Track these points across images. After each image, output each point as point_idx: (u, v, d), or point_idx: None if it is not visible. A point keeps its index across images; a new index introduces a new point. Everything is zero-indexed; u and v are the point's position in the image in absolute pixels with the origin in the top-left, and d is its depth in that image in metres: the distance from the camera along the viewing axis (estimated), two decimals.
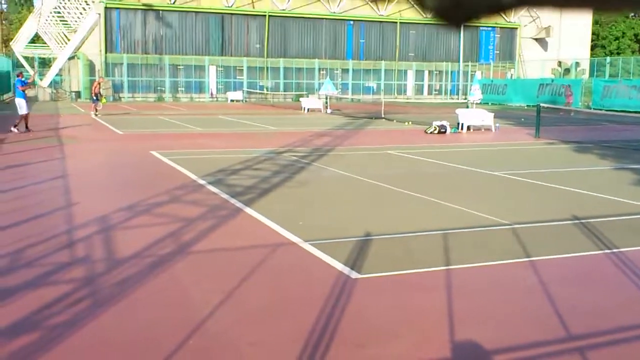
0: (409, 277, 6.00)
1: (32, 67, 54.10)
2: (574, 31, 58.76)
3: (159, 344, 4.44)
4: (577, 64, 53.22)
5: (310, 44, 52.84)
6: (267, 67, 51.39)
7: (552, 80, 44.15)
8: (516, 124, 27.30)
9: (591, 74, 49.01)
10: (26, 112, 20.98)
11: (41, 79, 47.34)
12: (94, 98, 29.77)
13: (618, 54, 72.00)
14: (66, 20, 48.75)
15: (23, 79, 21.68)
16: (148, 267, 6.20)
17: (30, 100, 23.98)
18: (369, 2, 51.55)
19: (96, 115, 28.66)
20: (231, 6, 49.55)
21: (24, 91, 21.21)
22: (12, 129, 20.57)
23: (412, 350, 4.42)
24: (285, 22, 51.73)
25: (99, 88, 30.09)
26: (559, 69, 54.81)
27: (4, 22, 74.09)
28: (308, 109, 35.41)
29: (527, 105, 41.22)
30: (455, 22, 0.47)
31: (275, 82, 51.90)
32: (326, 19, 52.60)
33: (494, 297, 5.53)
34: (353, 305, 5.22)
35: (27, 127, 20.95)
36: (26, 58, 59.40)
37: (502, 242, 7.36)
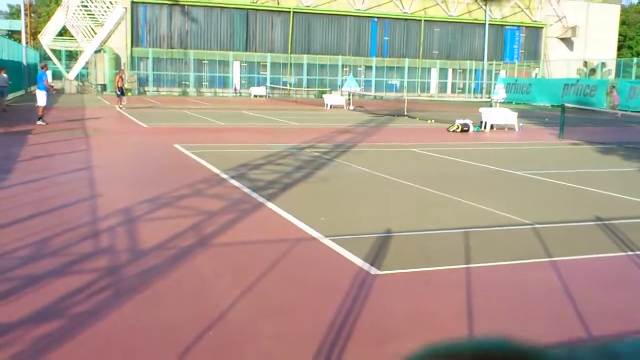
0: (428, 275, 6.00)
1: (59, 59, 54.73)
2: (600, 31, 58.08)
3: (180, 334, 4.49)
4: (603, 64, 52.55)
5: (334, 40, 52.81)
6: (291, 63, 51.47)
7: (578, 81, 43.68)
8: (540, 123, 27.08)
9: (617, 75, 48.39)
10: (43, 105, 21.24)
11: (68, 72, 47.86)
12: (118, 92, 30.07)
13: None
14: (93, 14, 49.26)
15: (45, 72, 22.08)
16: (170, 259, 6.27)
17: (58, 93, 24.22)
18: None
19: (121, 108, 28.93)
20: (256, 2, 49.69)
21: (46, 85, 21.59)
22: (38, 122, 20.87)
23: None
24: (310, 19, 51.75)
25: (122, 82, 30.37)
26: (585, 69, 54.19)
27: (32, 15, 75.00)
28: (331, 106, 35.42)
29: (552, 105, 40.84)
30: None
31: (299, 78, 51.98)
32: (350, 15, 52.54)
33: (513, 297, 5.51)
34: (372, 301, 5.24)
35: (40, 118, 21.19)
36: (54, 51, 60.08)
37: (523, 241, 7.32)
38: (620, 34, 65.80)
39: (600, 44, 57.76)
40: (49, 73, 23.58)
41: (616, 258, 6.75)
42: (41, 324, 4.60)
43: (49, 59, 59.16)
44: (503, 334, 0.30)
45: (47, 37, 58.46)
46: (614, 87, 37.62)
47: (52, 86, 28.62)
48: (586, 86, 41.21)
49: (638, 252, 6.89)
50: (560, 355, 0.34)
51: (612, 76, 48.92)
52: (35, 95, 22.46)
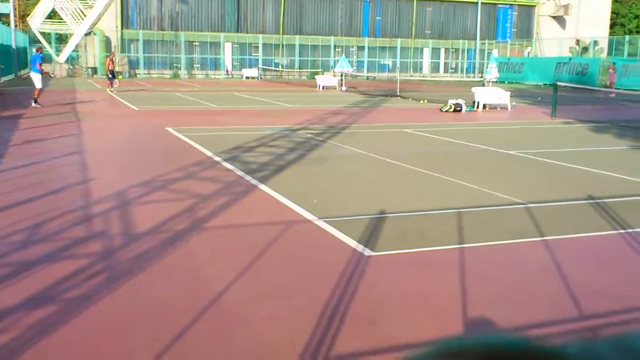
0: (422, 255, 6.02)
1: (49, 42, 54.25)
2: (593, 9, 57.95)
3: (174, 317, 4.50)
4: (596, 42, 52.49)
5: (326, 21, 52.54)
6: (283, 45, 51.22)
7: (570, 59, 43.65)
8: (533, 103, 27.08)
9: (609, 53, 48.37)
10: (40, 87, 21.35)
11: (58, 55, 47.48)
12: (109, 75, 29.88)
13: (638, 32, 70.93)
14: None
15: (41, 55, 22.11)
16: (163, 243, 6.27)
17: (48, 77, 24.27)
18: None
19: (112, 91, 28.76)
20: None
21: (40, 67, 21.63)
22: (33, 104, 20.86)
23: (424, 328, 4.45)
24: None
25: (113, 65, 30.17)
26: (577, 47, 54.14)
27: None
28: (323, 87, 35.32)
29: (544, 84, 40.84)
30: None
31: (291, 59, 51.77)
32: None
33: (507, 277, 5.54)
34: (366, 282, 5.25)
35: (35, 101, 21.26)
36: (43, 34, 59.49)
37: (516, 221, 7.35)
38: (612, 12, 65.63)
39: (592, 22, 57.66)
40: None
41: (609, 236, 6.78)
42: (36, 309, 4.60)
43: (39, 42, 58.59)
44: (517, 335, 0.30)
45: (36, 20, 57.88)
46: (614, 63, 37.19)
47: (46, 72, 28.59)
48: (578, 64, 41.19)
49: (630, 231, 6.93)
50: (575, 352, 0.30)
51: (604, 54, 48.91)
52: (28, 78, 22.49)
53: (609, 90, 32.71)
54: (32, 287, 5.02)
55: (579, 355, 0.31)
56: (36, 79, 21.35)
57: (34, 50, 23.93)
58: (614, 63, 36.98)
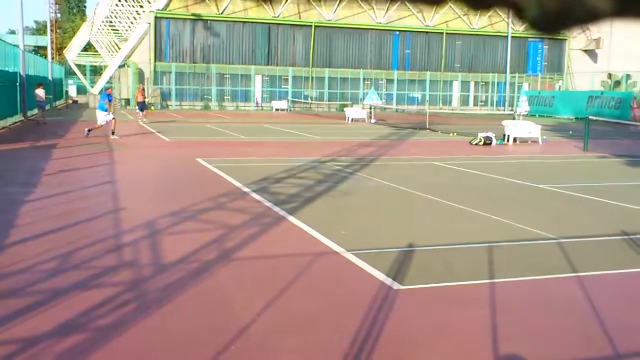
0: (451, 290, 5.94)
1: (84, 74, 55.39)
2: (624, 43, 57.52)
3: (202, 348, 4.49)
4: (628, 76, 51.99)
5: (355, 54, 52.92)
6: (312, 77, 51.64)
7: (602, 93, 43.26)
8: (564, 136, 26.84)
9: None
10: (101, 124, 21.77)
11: (92, 86, 48.50)
12: (138, 107, 30.37)
13: None
14: (117, 29, 49.98)
15: (109, 95, 22.74)
16: (192, 273, 6.29)
17: (81, 107, 24.88)
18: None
19: (143, 122, 29.20)
20: (278, 16, 50.00)
21: (105, 106, 22.10)
22: (112, 136, 21.53)
23: None
24: (331, 32, 51.94)
25: (143, 97, 30.68)
26: (609, 81, 53.66)
27: (58, 30, 76.21)
28: (352, 119, 35.44)
29: (576, 118, 40.48)
30: (552, 30, 0.48)
31: (320, 91, 52.12)
32: (372, 29, 52.66)
33: (538, 313, 5.44)
34: (394, 316, 5.20)
35: (113, 132, 21.86)
36: (78, 66, 60.91)
37: (548, 256, 7.23)
38: None
39: (624, 55, 57.18)
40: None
41: None
42: (66, 337, 4.63)
43: (74, 74, 60.00)
44: None
45: (72, 52, 59.36)
46: (635, 97, 37.06)
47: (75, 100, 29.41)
48: (610, 98, 40.79)
49: None
50: None
51: (637, 88, 48.39)
52: (63, 110, 23.03)
53: (636, 123, 32.30)
54: (62, 315, 5.06)
55: None
56: (99, 115, 21.77)
57: (104, 89, 24.91)
58: (635, 97, 36.82)
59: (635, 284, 6.37)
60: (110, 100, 22.50)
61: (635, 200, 11.05)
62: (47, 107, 34.35)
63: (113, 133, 21.77)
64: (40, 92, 28.97)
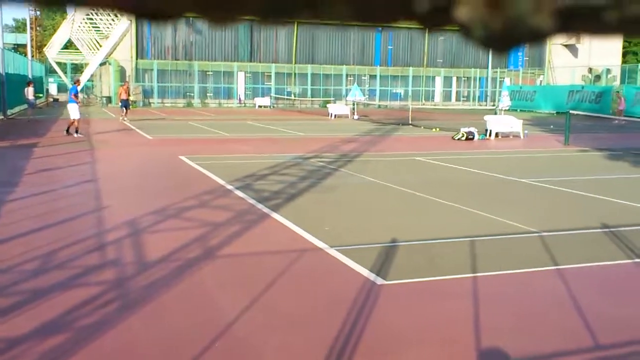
0: (435, 284, 5.98)
1: (65, 72, 54.95)
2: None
3: (185, 346, 4.48)
4: (608, 70, 52.52)
5: (338, 50, 52.96)
6: (295, 73, 51.61)
7: (582, 87, 43.64)
8: (545, 130, 27.04)
9: (622, 81, 48.33)
10: (77, 117, 21.70)
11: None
12: (121, 104, 30.18)
13: None
14: (98, 27, 49.56)
15: (79, 87, 22.79)
16: (176, 271, 6.27)
17: (62, 106, 24.88)
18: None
19: (123, 120, 29.00)
20: None
21: (75, 98, 22.07)
22: (75, 134, 21.25)
23: (436, 359, 4.40)
24: (314, 29, 51.91)
25: (127, 94, 30.46)
26: (590, 75, 54.16)
27: (37, 28, 75.49)
28: (335, 115, 35.46)
29: (557, 112, 40.79)
30: (500, 50, 0.50)
31: (303, 88, 52.10)
32: (354, 25, 52.58)
33: (521, 306, 5.49)
34: (378, 312, 5.22)
35: (68, 130, 21.68)
36: (59, 64, 60.37)
37: (530, 250, 7.29)
38: (624, 40, 65.71)
39: (604, 50, 57.71)
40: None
41: (623, 265, 6.71)
42: (48, 337, 4.60)
43: (55, 72, 59.45)
44: None
45: (53, 50, 58.81)
46: (618, 92, 37.25)
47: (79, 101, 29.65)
48: (591, 93, 41.16)
49: None
50: None
51: (617, 82, 48.88)
52: (44, 108, 23.11)
53: (620, 118, 32.56)
54: (45, 315, 5.03)
55: None
56: (73, 109, 21.68)
57: (74, 82, 25.22)
58: (619, 92, 36.91)
59: (615, 277, 6.44)
60: (76, 94, 22.44)
61: (615, 193, 11.16)
62: (19, 107, 34.55)
63: (67, 130, 21.58)
64: (29, 90, 29.98)
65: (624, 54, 68.18)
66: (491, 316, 5.15)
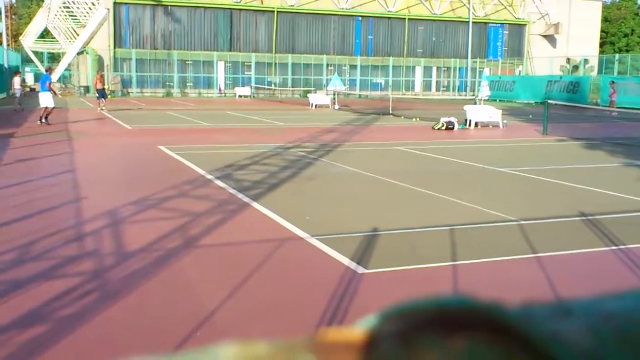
0: (415, 273, 6.02)
1: (41, 61, 54.30)
2: (582, 28, 58.53)
3: (166, 336, 4.48)
4: (586, 60, 52.99)
5: (318, 39, 52.83)
6: (275, 63, 51.42)
7: (561, 77, 43.99)
8: (524, 120, 27.24)
9: (600, 71, 48.81)
10: (52, 106, 21.67)
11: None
12: (97, 94, 29.89)
13: (627, 51, 71.68)
14: (75, 15, 48.97)
15: (49, 75, 22.74)
16: (156, 261, 6.24)
17: (36, 95, 24.77)
18: None
19: (102, 110, 28.73)
20: (240, 2, 49.56)
21: (49, 87, 22.00)
22: (41, 121, 21.18)
23: None
24: (294, 18, 51.72)
25: (102, 84, 30.18)
26: (568, 66, 54.59)
27: (13, 16, 74.38)
28: (316, 105, 35.42)
29: (536, 102, 41.10)
30: None
31: (284, 77, 51.95)
32: (335, 14, 52.58)
33: (500, 293, 5.54)
34: (359, 300, 5.24)
35: (46, 119, 21.66)
36: (35, 53, 59.63)
37: (509, 238, 7.36)
38: (602, 31, 66.36)
39: (582, 40, 58.21)
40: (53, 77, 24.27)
41: (600, 253, 6.80)
42: (27, 328, 4.56)
43: (31, 61, 58.68)
44: (461, 293, 0.32)
45: (29, 39, 58.05)
46: (613, 82, 36.26)
47: (55, 92, 29.36)
48: (569, 83, 41.50)
49: (622, 247, 6.95)
50: (516, 311, 0.33)
51: (594, 72, 49.33)
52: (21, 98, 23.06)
53: (611, 109, 32.74)
54: (23, 306, 4.98)
55: (521, 314, 0.34)
56: (46, 98, 21.61)
57: (46, 70, 25.04)
58: (614, 82, 36.26)
59: (593, 264, 6.53)
60: (49, 82, 22.38)
61: (592, 181, 11.29)
62: (4, 95, 34.08)
63: (41, 119, 21.47)
64: (16, 80, 29.90)
65: (602, 44, 68.82)
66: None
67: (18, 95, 29.83)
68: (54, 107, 22.03)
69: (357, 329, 0.33)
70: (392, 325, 0.33)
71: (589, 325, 0.33)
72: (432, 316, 0.32)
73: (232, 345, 0.32)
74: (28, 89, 52.64)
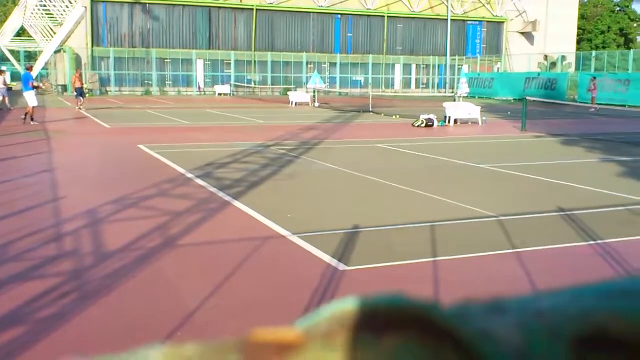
0: (396, 269, 6.04)
1: (18, 60, 53.68)
2: (560, 25, 59.05)
3: (147, 335, 4.45)
4: (563, 57, 53.48)
5: (297, 37, 52.77)
6: (255, 61, 51.28)
7: (539, 74, 44.36)
8: (503, 117, 27.44)
9: (577, 68, 49.28)
10: (35, 105, 21.60)
11: None
12: (75, 93, 29.62)
13: (604, 47, 72.46)
14: (52, 14, 48.44)
15: (30, 73, 22.65)
16: (135, 260, 6.20)
17: (16, 95, 24.48)
18: None
19: (80, 109, 28.47)
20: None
21: (32, 86, 21.89)
22: (31, 122, 21.00)
23: None
24: (273, 16, 51.62)
25: (81, 82, 29.91)
26: (545, 62, 55.07)
27: None
28: (296, 103, 35.39)
29: (514, 99, 41.41)
30: None
31: (263, 75, 51.82)
32: (314, 12, 52.54)
33: (480, 289, 5.58)
34: (341, 296, 5.24)
35: (32, 118, 21.55)
36: (12, 51, 58.94)
37: (489, 233, 7.42)
38: (579, 28, 67.00)
39: (560, 38, 58.73)
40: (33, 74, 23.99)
41: (578, 247, 6.88)
42: (6, 329, 4.51)
43: (7, 59, 58.01)
44: (395, 292, 0.32)
45: (5, 38, 57.35)
46: (595, 77, 36.36)
47: (39, 85, 29.10)
48: (547, 79, 41.86)
49: (599, 241, 7.03)
50: (449, 310, 0.34)
51: (572, 69, 49.80)
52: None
53: (590, 105, 33.03)
54: (3, 306, 4.93)
55: (456, 312, 0.35)
56: (30, 97, 21.47)
57: (26, 68, 24.80)
58: (595, 77, 36.43)
59: (571, 258, 6.60)
60: (32, 80, 22.27)
61: (571, 177, 11.41)
62: None
63: (25, 118, 21.39)
64: (3, 79, 29.32)
65: (579, 41, 69.50)
66: (451, 300, 5.22)
67: (4, 94, 28.99)
68: (35, 107, 21.90)
69: (290, 330, 0.32)
70: (323, 326, 0.32)
71: (520, 322, 0.33)
72: (364, 315, 0.32)
73: (160, 347, 0.32)
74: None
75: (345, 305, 0.33)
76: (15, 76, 59.21)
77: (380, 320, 0.32)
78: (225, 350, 0.32)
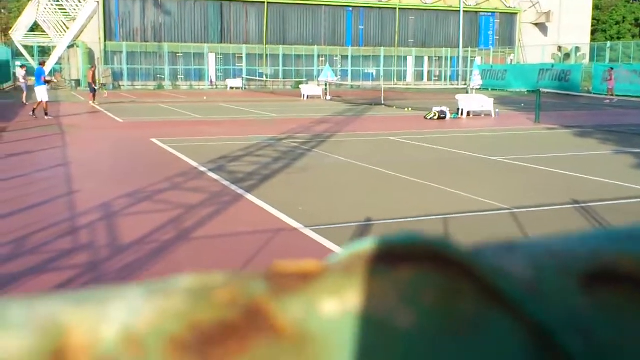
0: None
1: (32, 55, 53.99)
2: (574, 16, 58.58)
3: None
4: (578, 48, 53.10)
5: (309, 30, 52.70)
6: (267, 54, 51.29)
7: (553, 66, 44.06)
8: (516, 109, 27.29)
9: (591, 59, 48.90)
10: (47, 100, 21.75)
11: None
12: (93, 87, 29.77)
13: (619, 38, 71.83)
14: (65, 9, 48.69)
15: (43, 68, 22.92)
16: (150, 253, 6.25)
17: (30, 90, 24.67)
18: None
19: (94, 104, 28.62)
20: None
21: (44, 81, 22.10)
22: (46, 117, 21.29)
23: None
24: (285, 9, 51.58)
25: (94, 77, 30.06)
26: (559, 54, 54.69)
27: (2, 10, 73.93)
28: (308, 96, 35.38)
29: (528, 91, 41.17)
30: None
31: (275, 69, 51.83)
32: (325, 5, 52.44)
33: None
34: None
35: (46, 113, 21.64)
36: (26, 47, 59.33)
37: (502, 226, 7.40)
38: (593, 19, 66.43)
39: (574, 28, 58.27)
40: (46, 70, 24.29)
41: None
42: None
43: (21, 55, 58.42)
44: (410, 230, 0.33)
45: (19, 33, 57.72)
46: (612, 68, 35.98)
47: (52, 80, 29.40)
48: (561, 71, 41.57)
49: None
50: (463, 247, 0.35)
51: (586, 60, 49.42)
52: (11, 92, 23.16)
53: (609, 97, 32.72)
54: None
55: (470, 251, 0.36)
56: (41, 92, 21.66)
57: (39, 64, 25.19)
58: (612, 68, 36.00)
59: None
60: (44, 76, 22.45)
61: (585, 169, 11.35)
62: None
63: (33, 113, 21.63)
64: (20, 72, 30.45)
65: (593, 32, 68.92)
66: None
67: (24, 88, 29.56)
68: (47, 102, 22.06)
69: (312, 262, 0.35)
70: (344, 260, 0.34)
71: (531, 260, 0.35)
72: (381, 251, 0.34)
73: (190, 275, 0.34)
74: (19, 83, 52.43)
75: (365, 244, 0.35)
76: (29, 71, 59.66)
77: (397, 255, 0.34)
78: (252, 279, 0.34)
